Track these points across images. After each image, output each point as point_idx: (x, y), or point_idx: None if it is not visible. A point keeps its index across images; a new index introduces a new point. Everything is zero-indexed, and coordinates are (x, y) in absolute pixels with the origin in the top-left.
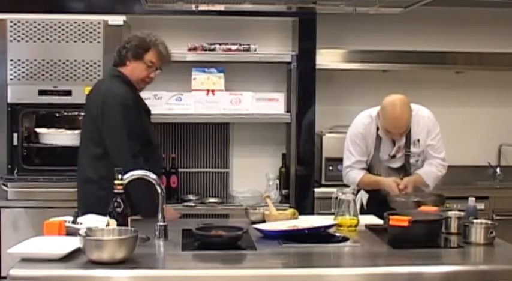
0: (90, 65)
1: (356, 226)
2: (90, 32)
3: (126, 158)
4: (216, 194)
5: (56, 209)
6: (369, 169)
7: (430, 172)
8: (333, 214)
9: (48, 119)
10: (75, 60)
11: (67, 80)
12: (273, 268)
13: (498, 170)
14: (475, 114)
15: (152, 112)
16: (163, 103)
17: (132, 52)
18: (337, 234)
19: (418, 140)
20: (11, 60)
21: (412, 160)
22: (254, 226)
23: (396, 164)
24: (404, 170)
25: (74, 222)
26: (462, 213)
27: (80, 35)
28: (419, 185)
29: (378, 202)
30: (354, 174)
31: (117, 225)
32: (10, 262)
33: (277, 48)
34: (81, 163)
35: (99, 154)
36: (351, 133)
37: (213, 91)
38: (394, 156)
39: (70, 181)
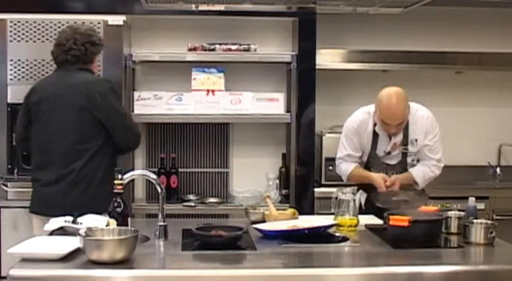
0: None
1: (356, 226)
2: None
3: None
4: (216, 194)
5: None
6: (366, 165)
7: (422, 171)
8: (333, 214)
9: None
10: None
11: None
12: (273, 268)
13: (498, 170)
14: (475, 114)
15: (152, 112)
16: (163, 103)
17: (97, 48)
18: (337, 234)
19: (416, 140)
20: (11, 60)
21: (408, 159)
22: (254, 226)
23: (393, 161)
24: (401, 167)
25: (74, 222)
26: (462, 213)
27: None
28: (409, 183)
29: None
30: (345, 166)
31: (117, 225)
32: (10, 262)
33: (277, 48)
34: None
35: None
36: (345, 127)
37: (213, 91)
38: (389, 153)
39: None
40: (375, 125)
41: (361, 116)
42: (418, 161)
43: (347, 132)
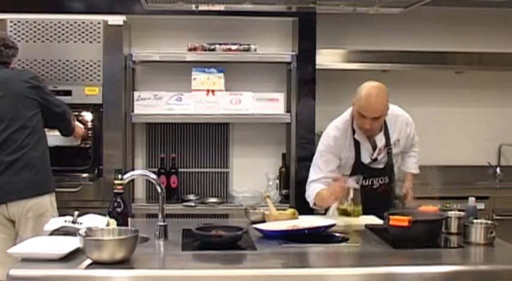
0: (90, 65)
1: (358, 215)
2: (90, 32)
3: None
4: (216, 194)
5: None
6: (352, 174)
7: (413, 163)
8: None
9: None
10: (75, 60)
11: (67, 80)
12: (273, 268)
13: (498, 170)
14: (475, 114)
15: (152, 112)
16: (163, 103)
17: (12, 50)
18: (337, 234)
19: (398, 140)
20: None
21: (393, 160)
22: (254, 226)
23: (380, 165)
24: (389, 169)
25: (74, 222)
26: (462, 213)
27: (80, 35)
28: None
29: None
30: (312, 189)
31: (117, 225)
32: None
33: (277, 48)
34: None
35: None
36: (321, 146)
37: (213, 91)
38: (376, 159)
39: (70, 180)
40: (353, 133)
41: (335, 132)
42: (402, 158)
43: (322, 152)
